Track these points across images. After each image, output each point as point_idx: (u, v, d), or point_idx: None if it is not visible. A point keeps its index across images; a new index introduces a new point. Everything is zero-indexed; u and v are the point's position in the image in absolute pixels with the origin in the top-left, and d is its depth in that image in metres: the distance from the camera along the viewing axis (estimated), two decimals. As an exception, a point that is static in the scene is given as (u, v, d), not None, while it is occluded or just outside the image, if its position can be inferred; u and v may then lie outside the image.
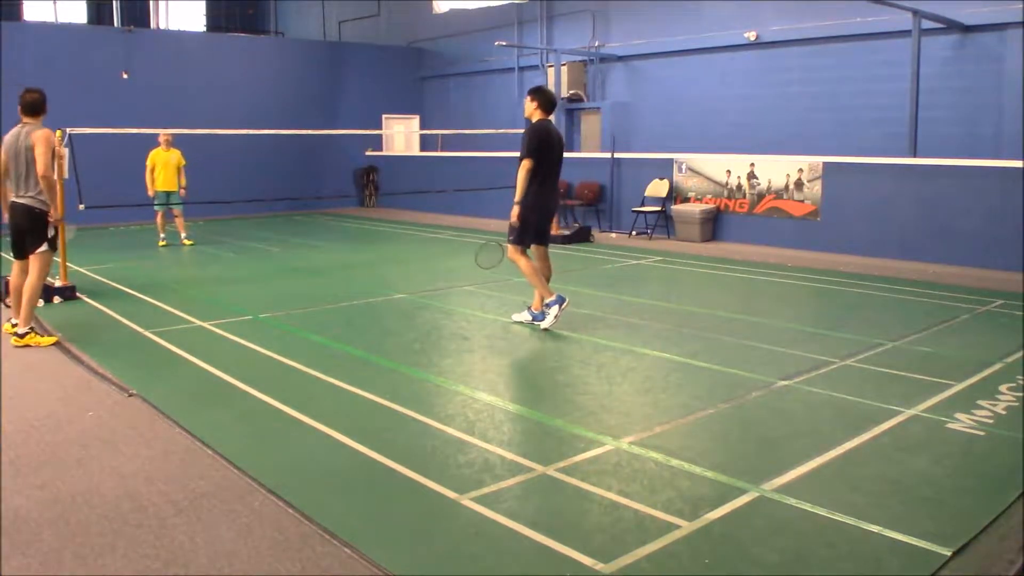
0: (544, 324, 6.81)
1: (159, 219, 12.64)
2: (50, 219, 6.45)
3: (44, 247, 6.48)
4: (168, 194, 12.33)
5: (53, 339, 6.50)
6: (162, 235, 12.67)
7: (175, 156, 12.32)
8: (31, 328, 6.47)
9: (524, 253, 6.84)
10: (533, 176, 6.67)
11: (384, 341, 6.57)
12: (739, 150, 13.43)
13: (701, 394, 5.13)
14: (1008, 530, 3.31)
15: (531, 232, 6.83)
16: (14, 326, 6.48)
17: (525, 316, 7.00)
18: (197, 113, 16.28)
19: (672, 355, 6.02)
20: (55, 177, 6.47)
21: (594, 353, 6.11)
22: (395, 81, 20.68)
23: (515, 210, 6.72)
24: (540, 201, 6.80)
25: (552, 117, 6.89)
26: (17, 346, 6.32)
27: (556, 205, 7.17)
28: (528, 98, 6.88)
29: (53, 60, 15.71)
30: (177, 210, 12.55)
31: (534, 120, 6.86)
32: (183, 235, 12.70)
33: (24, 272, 6.56)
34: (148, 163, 12.24)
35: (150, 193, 12.30)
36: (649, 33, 15.92)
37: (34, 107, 6.43)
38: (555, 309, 6.78)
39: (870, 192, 11.02)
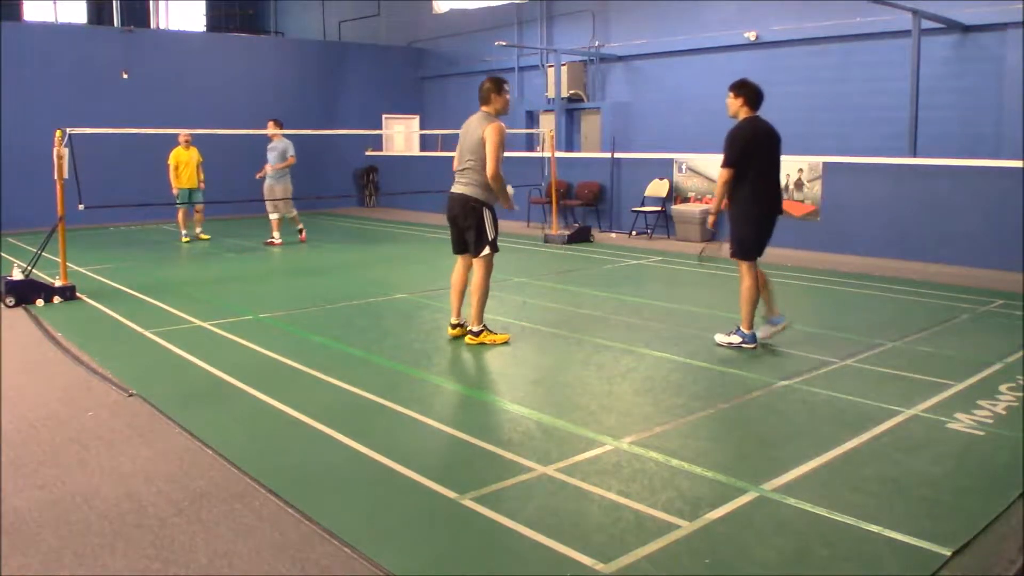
0: (719, 338, 6.28)
1: (180, 216, 13.18)
2: (507, 207, 6.27)
3: (486, 251, 6.18)
4: (190, 192, 12.78)
5: (506, 336, 6.39)
6: (184, 232, 13.12)
7: (195, 154, 12.79)
8: (484, 327, 6.31)
9: (750, 270, 6.10)
10: (741, 184, 5.95)
11: (384, 341, 6.57)
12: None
13: (701, 394, 5.13)
14: (1008, 530, 3.31)
15: (754, 247, 6.10)
16: (454, 327, 6.48)
17: (735, 338, 6.18)
18: (197, 113, 16.28)
19: (672, 355, 6.02)
20: (500, 176, 6.06)
21: (594, 353, 6.11)
22: (395, 81, 20.68)
23: (710, 219, 6.70)
24: (757, 212, 6.06)
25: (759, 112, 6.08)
26: (472, 344, 6.28)
27: (777, 212, 6.19)
28: (731, 95, 6.06)
29: (53, 60, 15.71)
30: (199, 205, 13.01)
31: (740, 118, 6.07)
32: (198, 230, 13.20)
33: (465, 268, 6.39)
34: (171, 161, 12.64)
35: (174, 191, 12.69)
36: (649, 33, 15.93)
37: (480, 96, 6.27)
38: (752, 335, 6.17)
39: (870, 192, 11.01)
